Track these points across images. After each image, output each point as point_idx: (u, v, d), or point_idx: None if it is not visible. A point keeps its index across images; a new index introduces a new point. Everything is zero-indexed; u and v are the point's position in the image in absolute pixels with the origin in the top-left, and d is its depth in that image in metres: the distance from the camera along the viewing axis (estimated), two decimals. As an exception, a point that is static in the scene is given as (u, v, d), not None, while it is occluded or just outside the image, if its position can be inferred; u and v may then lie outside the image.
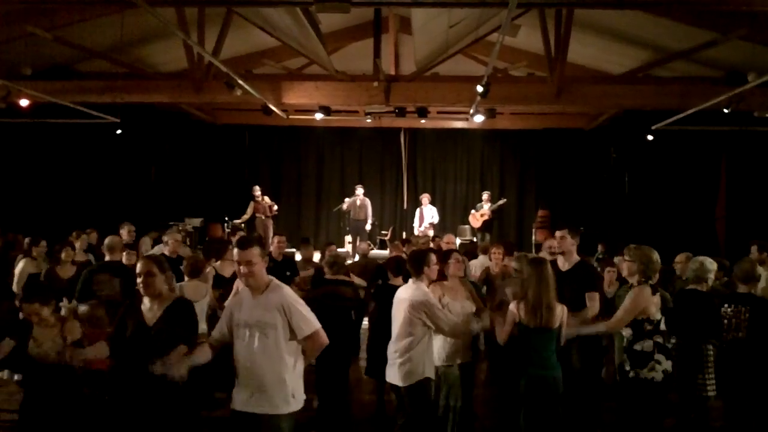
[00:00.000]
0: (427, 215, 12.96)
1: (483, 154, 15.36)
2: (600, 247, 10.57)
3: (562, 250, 5.04)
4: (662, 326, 4.26)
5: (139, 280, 3.59)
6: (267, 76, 10.87)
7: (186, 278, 5.45)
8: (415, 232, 12.77)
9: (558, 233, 5.11)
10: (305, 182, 15.42)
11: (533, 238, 13.47)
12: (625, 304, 4.25)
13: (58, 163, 13.02)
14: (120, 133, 12.19)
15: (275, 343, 3.31)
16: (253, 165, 15.10)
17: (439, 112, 12.98)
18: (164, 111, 12.67)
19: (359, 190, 13.08)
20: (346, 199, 13.14)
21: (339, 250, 9.68)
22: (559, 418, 4.19)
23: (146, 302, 3.62)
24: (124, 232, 7.55)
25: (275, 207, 13.33)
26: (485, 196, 13.30)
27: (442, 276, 4.82)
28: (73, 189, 13.09)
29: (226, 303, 3.70)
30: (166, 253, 6.57)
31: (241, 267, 3.36)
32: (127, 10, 7.76)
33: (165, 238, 7.14)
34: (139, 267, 3.62)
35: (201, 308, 5.14)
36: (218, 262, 6.33)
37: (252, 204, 13.12)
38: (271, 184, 14.79)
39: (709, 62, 9.43)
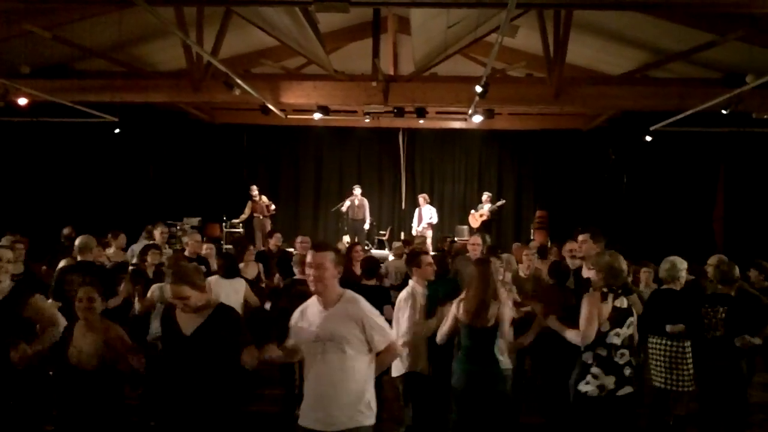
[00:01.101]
0: (425, 215, 12.94)
1: (481, 154, 15.37)
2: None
3: (583, 255, 4.78)
4: (611, 339, 3.84)
5: (173, 302, 3.41)
6: (265, 75, 10.86)
7: None
8: (413, 233, 12.77)
9: (580, 237, 4.83)
10: (303, 182, 15.40)
11: (531, 238, 13.47)
12: (582, 315, 3.89)
13: (57, 162, 13.03)
14: (118, 132, 12.20)
15: (352, 357, 3.14)
16: (252, 165, 15.06)
17: (437, 113, 12.99)
18: (162, 110, 12.65)
19: (357, 190, 13.06)
20: (347, 201, 13.09)
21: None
22: (501, 413, 4.13)
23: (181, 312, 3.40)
24: (157, 233, 7.53)
25: (273, 206, 13.31)
26: (485, 196, 13.30)
27: None
28: (71, 188, 13.10)
29: (291, 321, 3.38)
30: (186, 254, 6.56)
31: (312, 271, 3.13)
32: (125, 9, 7.78)
33: (185, 239, 7.18)
34: (171, 291, 3.34)
35: None
36: (241, 264, 6.30)
37: (250, 203, 13.11)
38: (269, 183, 14.77)
39: (707, 64, 9.43)
